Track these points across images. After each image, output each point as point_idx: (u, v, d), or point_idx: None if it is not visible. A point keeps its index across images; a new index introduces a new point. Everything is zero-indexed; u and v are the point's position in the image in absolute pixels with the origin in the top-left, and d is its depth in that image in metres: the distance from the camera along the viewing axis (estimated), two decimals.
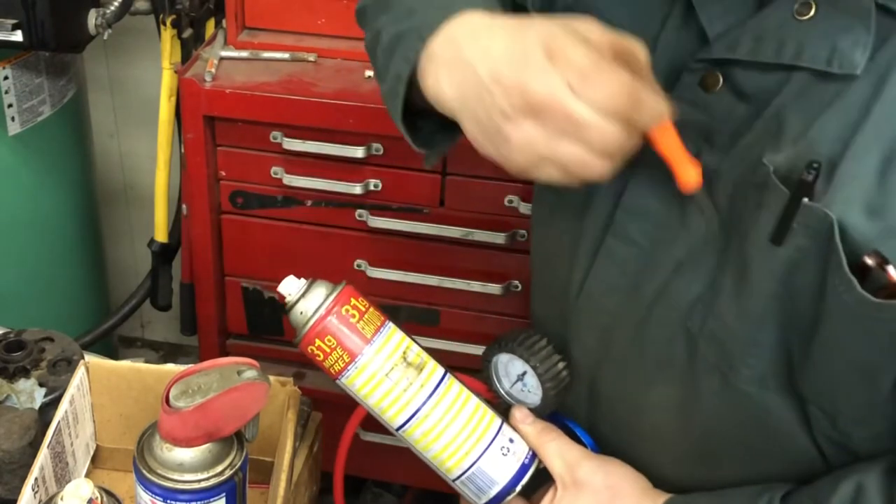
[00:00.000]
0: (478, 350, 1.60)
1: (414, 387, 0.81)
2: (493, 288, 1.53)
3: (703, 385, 0.75)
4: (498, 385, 0.87)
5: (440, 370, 0.83)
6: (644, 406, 0.81)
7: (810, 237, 0.64)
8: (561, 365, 0.84)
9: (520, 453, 0.83)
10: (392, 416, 0.82)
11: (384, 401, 0.81)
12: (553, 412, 0.87)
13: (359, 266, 1.55)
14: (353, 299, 0.82)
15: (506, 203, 1.46)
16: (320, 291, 0.82)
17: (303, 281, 0.83)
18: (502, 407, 0.87)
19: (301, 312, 0.81)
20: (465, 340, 1.61)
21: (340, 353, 0.80)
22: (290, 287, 0.82)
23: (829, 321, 0.65)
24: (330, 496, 1.16)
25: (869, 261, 0.62)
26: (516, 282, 1.53)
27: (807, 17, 0.64)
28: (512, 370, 0.86)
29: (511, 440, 0.83)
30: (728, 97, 0.69)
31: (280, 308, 1.64)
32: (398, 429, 0.82)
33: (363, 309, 0.82)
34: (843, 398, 0.69)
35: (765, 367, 0.71)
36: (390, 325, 0.83)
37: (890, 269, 0.62)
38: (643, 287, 0.77)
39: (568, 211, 0.84)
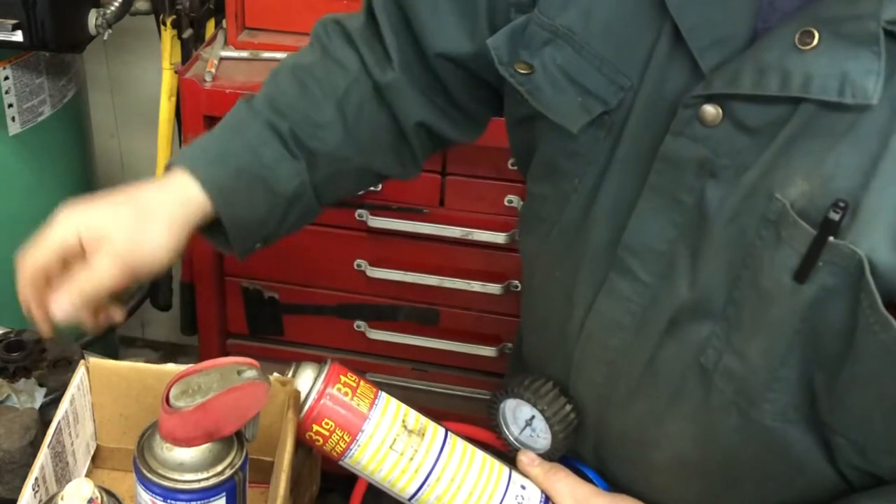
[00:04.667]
0: (478, 350, 1.61)
1: (420, 453, 0.79)
2: (493, 288, 1.53)
3: (720, 420, 0.73)
4: (507, 432, 0.86)
5: (441, 430, 0.82)
6: (656, 440, 0.79)
7: (837, 275, 0.62)
8: (568, 407, 0.82)
9: (534, 499, 0.82)
10: (403, 486, 0.80)
11: (392, 473, 0.79)
12: (563, 456, 0.85)
13: (359, 266, 1.55)
14: (342, 376, 0.80)
15: (506, 203, 1.46)
16: (308, 374, 0.80)
17: (290, 364, 0.81)
18: (511, 454, 0.86)
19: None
20: (465, 340, 1.61)
21: (341, 435, 0.79)
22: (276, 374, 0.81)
23: (861, 358, 0.64)
24: (330, 496, 1.16)
25: None
26: (516, 282, 1.53)
27: (810, 46, 0.61)
28: (520, 416, 0.84)
29: (523, 486, 0.82)
30: (730, 130, 0.67)
31: (280, 307, 1.64)
32: (411, 498, 0.80)
33: (354, 384, 0.80)
34: (873, 430, 0.68)
35: (786, 402, 0.69)
36: (384, 396, 0.81)
37: None
38: (650, 324, 0.75)
39: (557, 246, 0.82)
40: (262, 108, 0.87)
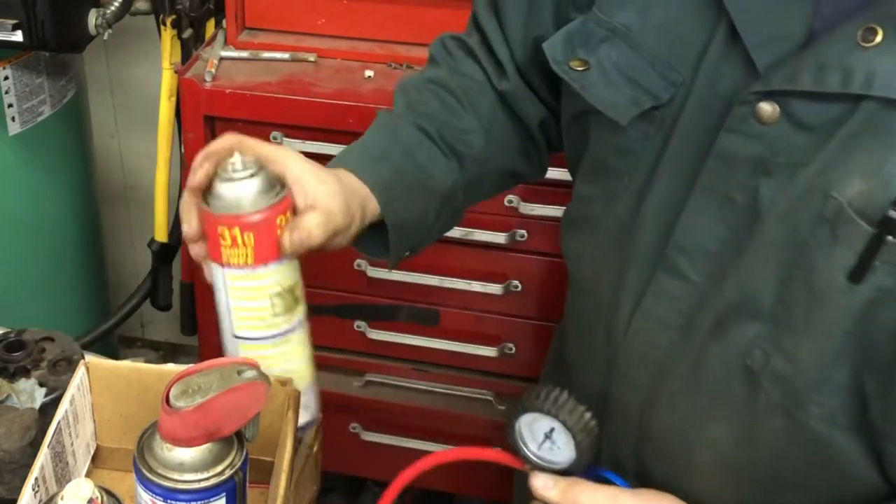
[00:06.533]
0: (478, 350, 1.61)
1: (279, 318, 0.79)
2: (494, 288, 1.53)
3: (765, 422, 0.72)
4: (525, 449, 0.80)
5: (303, 315, 0.82)
6: (699, 442, 0.78)
7: (894, 276, 0.61)
8: (588, 415, 0.77)
9: None
10: (240, 326, 0.80)
11: (246, 312, 0.79)
12: (588, 466, 0.80)
13: (359, 266, 1.55)
14: (288, 212, 0.78)
15: (506, 203, 1.46)
16: (265, 185, 0.77)
17: (249, 159, 0.77)
18: (531, 471, 0.81)
19: (236, 195, 0.76)
20: (465, 340, 1.61)
21: (248, 253, 0.76)
22: (235, 161, 0.76)
23: None
24: (329, 496, 1.16)
25: None
26: (516, 282, 1.53)
27: (873, 43, 0.61)
28: (538, 429, 0.79)
29: None
30: (787, 128, 0.66)
31: None
32: (238, 337, 0.80)
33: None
34: None
35: (835, 405, 0.68)
36: (297, 261, 0.81)
37: None
38: (697, 324, 0.74)
39: (604, 246, 0.81)
40: (407, 113, 0.91)
